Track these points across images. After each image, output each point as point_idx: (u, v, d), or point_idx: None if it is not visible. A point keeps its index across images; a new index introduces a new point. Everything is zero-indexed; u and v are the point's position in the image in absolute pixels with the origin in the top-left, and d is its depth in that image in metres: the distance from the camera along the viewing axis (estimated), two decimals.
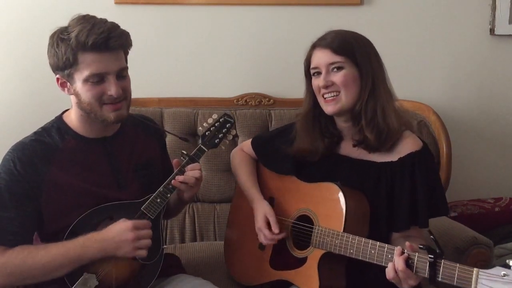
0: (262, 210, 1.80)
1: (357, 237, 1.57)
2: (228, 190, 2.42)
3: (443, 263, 1.37)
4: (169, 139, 2.25)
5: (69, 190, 1.64)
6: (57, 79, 1.66)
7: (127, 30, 1.66)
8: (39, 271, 1.57)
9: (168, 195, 1.70)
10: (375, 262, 1.52)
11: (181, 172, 1.71)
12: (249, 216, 1.90)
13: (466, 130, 2.75)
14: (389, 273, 1.46)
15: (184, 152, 1.77)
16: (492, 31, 2.70)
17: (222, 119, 1.85)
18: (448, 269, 1.35)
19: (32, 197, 1.62)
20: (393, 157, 1.69)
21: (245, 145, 2.04)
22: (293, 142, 1.84)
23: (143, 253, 1.61)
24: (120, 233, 1.59)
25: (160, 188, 1.70)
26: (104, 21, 1.61)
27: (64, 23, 1.64)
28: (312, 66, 1.74)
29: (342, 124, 1.77)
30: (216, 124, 1.84)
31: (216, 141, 1.82)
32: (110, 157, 1.73)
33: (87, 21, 1.59)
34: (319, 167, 1.79)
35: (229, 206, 2.13)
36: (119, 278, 1.65)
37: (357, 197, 1.67)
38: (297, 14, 2.65)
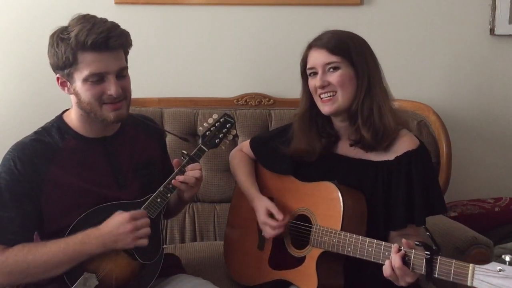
0: (262, 204, 1.81)
1: (354, 236, 1.58)
2: (228, 190, 2.42)
3: (440, 259, 1.38)
4: (169, 139, 2.25)
5: (69, 189, 1.64)
6: (57, 78, 1.66)
7: (127, 30, 1.66)
8: (39, 268, 1.57)
9: (168, 195, 1.70)
10: (372, 260, 1.53)
11: (181, 172, 1.71)
12: (248, 216, 1.91)
13: (466, 130, 2.75)
14: (386, 270, 1.47)
15: (185, 152, 1.77)
16: (492, 31, 2.70)
17: (223, 119, 1.85)
18: (445, 265, 1.36)
19: (32, 197, 1.62)
20: (390, 156, 1.70)
21: (244, 145, 2.05)
22: (290, 143, 1.84)
23: (144, 242, 1.61)
24: (117, 226, 1.59)
25: (160, 188, 1.70)
26: (104, 20, 1.61)
27: (64, 23, 1.64)
28: (308, 66, 1.75)
29: (339, 124, 1.78)
30: (216, 124, 1.84)
31: (216, 141, 1.83)
32: (110, 156, 1.73)
33: (87, 21, 1.59)
34: (317, 167, 1.80)
35: (229, 206, 2.13)
36: (119, 277, 1.65)
37: (354, 196, 1.68)
38: (297, 14, 2.65)
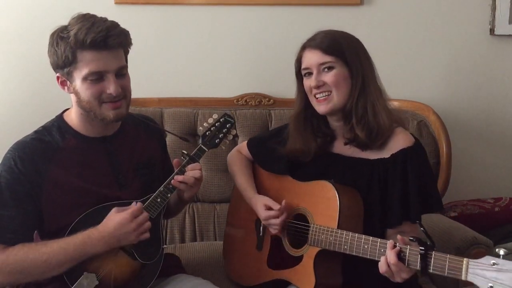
0: (260, 202, 1.81)
1: (350, 233, 1.58)
2: (228, 190, 2.42)
3: (434, 254, 1.38)
4: (169, 139, 2.25)
5: (69, 189, 1.64)
6: (57, 77, 1.66)
7: (127, 30, 1.66)
8: (40, 268, 1.57)
9: (169, 195, 1.71)
10: (368, 257, 1.54)
11: (182, 172, 1.71)
12: (246, 217, 1.91)
13: (466, 130, 2.75)
14: (382, 267, 1.48)
15: (185, 152, 1.77)
16: (492, 31, 2.70)
17: (223, 119, 1.85)
18: (439, 260, 1.37)
19: (32, 196, 1.62)
20: (385, 153, 1.70)
21: (242, 146, 2.06)
22: (286, 143, 1.85)
23: (147, 235, 1.63)
24: (120, 226, 1.59)
25: (161, 188, 1.70)
26: (103, 19, 1.61)
27: (64, 23, 1.64)
28: (303, 66, 1.76)
29: (334, 123, 1.79)
30: (216, 124, 1.84)
31: (216, 141, 1.83)
32: (111, 156, 1.73)
33: (86, 20, 1.59)
34: (313, 166, 1.80)
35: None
36: (119, 277, 1.65)
37: (350, 194, 1.69)
38: (297, 14, 2.65)
